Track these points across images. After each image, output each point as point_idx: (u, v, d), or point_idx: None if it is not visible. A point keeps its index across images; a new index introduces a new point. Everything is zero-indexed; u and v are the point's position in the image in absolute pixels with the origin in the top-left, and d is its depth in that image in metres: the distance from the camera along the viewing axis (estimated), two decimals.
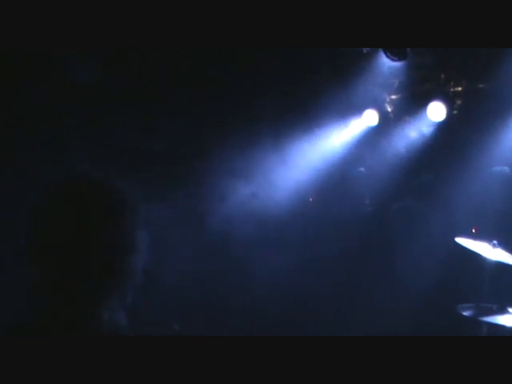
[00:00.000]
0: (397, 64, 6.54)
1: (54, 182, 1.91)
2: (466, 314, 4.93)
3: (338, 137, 7.37)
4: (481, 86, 6.43)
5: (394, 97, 7.20)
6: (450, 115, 6.59)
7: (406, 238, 5.80)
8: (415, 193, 6.62)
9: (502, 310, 4.74)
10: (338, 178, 7.00)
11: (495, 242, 4.86)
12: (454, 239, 4.98)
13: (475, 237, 5.04)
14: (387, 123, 7.25)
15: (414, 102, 6.97)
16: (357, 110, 7.20)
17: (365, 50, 6.46)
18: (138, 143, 6.18)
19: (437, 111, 6.67)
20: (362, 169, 7.06)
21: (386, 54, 6.12)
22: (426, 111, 6.73)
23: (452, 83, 6.61)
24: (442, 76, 6.62)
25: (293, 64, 6.34)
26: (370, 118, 7.28)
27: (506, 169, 5.82)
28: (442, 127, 6.71)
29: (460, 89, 6.59)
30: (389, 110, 7.28)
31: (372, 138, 7.26)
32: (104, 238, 1.83)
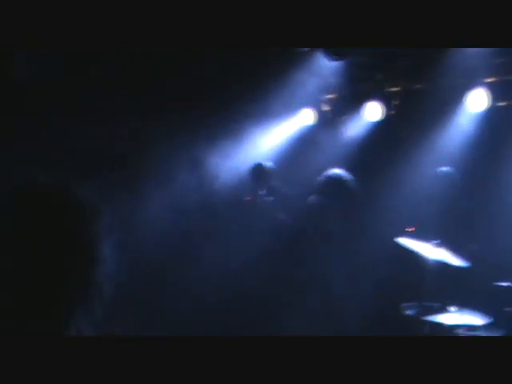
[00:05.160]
0: (334, 63, 6.52)
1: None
2: (409, 312, 5.06)
3: (275, 135, 7.33)
4: (417, 86, 6.53)
5: (331, 96, 7.21)
6: (387, 115, 6.66)
7: (346, 238, 5.80)
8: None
9: (443, 309, 4.88)
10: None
11: (437, 241, 4.94)
12: (395, 238, 5.04)
13: (417, 236, 5.09)
14: (324, 122, 7.26)
15: (351, 102, 7.00)
16: (293, 108, 7.16)
17: (304, 49, 6.38)
18: (91, 145, 5.95)
19: (374, 111, 6.73)
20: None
21: (326, 53, 5.99)
22: (363, 111, 6.79)
23: (389, 83, 6.68)
24: (379, 76, 6.67)
25: (227, 63, 6.22)
26: (306, 116, 7.27)
27: (450, 170, 5.92)
28: (379, 127, 6.77)
29: (397, 89, 6.67)
30: (326, 109, 7.28)
31: (308, 137, 7.24)
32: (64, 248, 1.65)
